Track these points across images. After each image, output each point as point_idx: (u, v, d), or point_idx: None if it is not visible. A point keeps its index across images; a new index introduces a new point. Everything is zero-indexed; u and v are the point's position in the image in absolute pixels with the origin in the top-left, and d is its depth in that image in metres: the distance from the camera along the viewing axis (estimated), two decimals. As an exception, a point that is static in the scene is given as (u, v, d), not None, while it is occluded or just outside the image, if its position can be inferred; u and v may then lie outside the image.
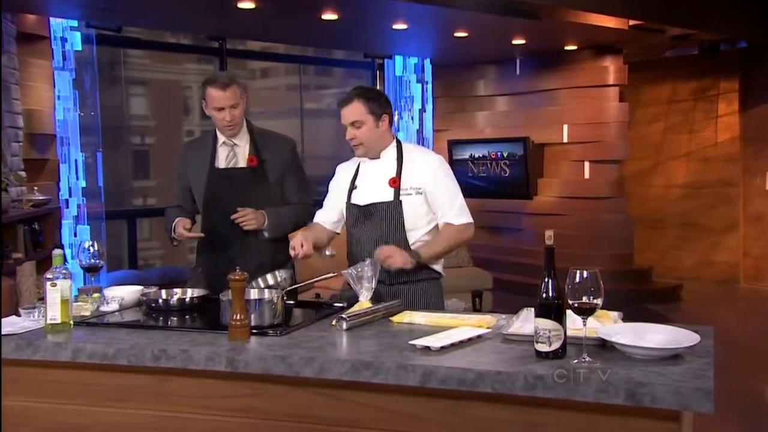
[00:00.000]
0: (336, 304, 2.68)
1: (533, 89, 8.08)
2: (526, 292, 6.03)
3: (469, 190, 8.16)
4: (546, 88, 7.98)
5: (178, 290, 2.77)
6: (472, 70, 8.50)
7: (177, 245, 3.31)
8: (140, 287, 2.80)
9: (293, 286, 2.62)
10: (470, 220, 2.94)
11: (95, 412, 2.24)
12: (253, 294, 2.45)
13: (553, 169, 8.05)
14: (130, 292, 2.73)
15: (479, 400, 1.88)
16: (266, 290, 2.49)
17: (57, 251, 2.41)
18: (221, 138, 3.25)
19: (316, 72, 9.06)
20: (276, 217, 3.20)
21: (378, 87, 8.70)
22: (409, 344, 2.07)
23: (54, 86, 6.08)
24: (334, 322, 2.36)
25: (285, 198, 3.29)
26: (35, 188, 5.46)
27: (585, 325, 1.92)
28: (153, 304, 2.67)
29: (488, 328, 2.26)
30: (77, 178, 6.29)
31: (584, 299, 1.89)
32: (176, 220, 3.17)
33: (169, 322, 2.54)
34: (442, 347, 2.03)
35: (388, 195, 2.91)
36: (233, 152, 3.24)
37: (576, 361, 1.88)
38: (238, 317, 2.22)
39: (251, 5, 5.36)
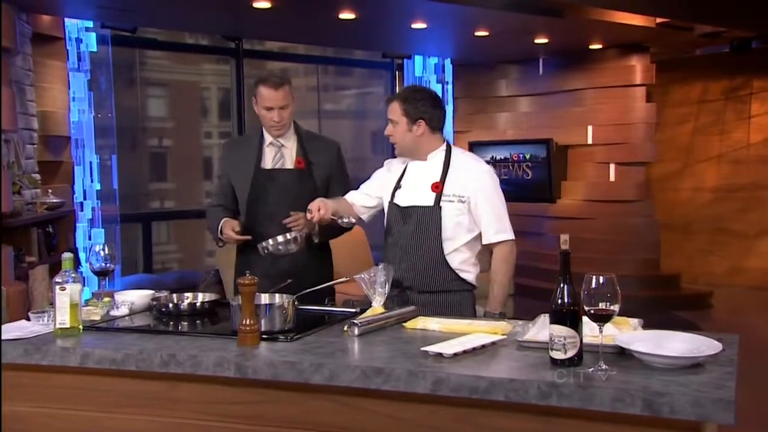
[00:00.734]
0: (349, 310, 2.69)
1: (557, 89, 8.05)
2: (548, 298, 5.97)
3: None
4: (570, 88, 7.95)
5: (188, 295, 2.79)
6: (493, 70, 8.49)
7: (223, 246, 3.34)
8: (151, 291, 2.82)
9: (304, 292, 2.62)
10: (511, 236, 2.95)
11: (103, 418, 2.26)
12: (264, 299, 2.47)
13: (578, 171, 8.01)
14: (140, 297, 2.75)
15: (492, 408, 1.87)
16: (277, 295, 2.50)
17: (66, 255, 2.44)
18: (268, 138, 3.27)
19: (337, 73, 9.10)
20: (327, 223, 3.20)
21: (397, 87, 8.72)
22: (421, 351, 2.08)
23: (69, 88, 6.16)
24: (345, 328, 2.37)
25: None
26: (49, 191, 5.52)
27: (601, 332, 1.91)
28: (163, 309, 2.69)
29: (503, 334, 2.25)
30: (92, 181, 6.37)
31: (601, 305, 1.88)
32: (223, 220, 3.18)
33: (180, 327, 2.56)
34: (455, 354, 2.03)
35: (428, 199, 2.91)
36: (280, 153, 3.27)
37: (592, 369, 1.87)
38: (247, 322, 2.24)
39: (267, 5, 5.40)
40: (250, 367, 2.09)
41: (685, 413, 1.70)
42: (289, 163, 3.26)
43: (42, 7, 5.64)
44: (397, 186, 3.02)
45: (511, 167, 8.17)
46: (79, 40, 6.22)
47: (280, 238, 3.00)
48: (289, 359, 2.08)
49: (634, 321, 2.32)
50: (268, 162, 3.27)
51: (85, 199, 6.32)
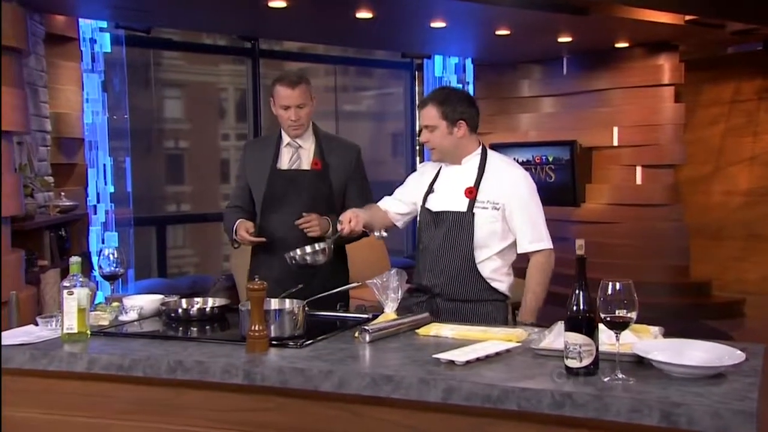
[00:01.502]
0: (361, 316, 2.70)
1: (581, 89, 8.00)
2: (572, 305, 5.95)
3: None
4: (595, 88, 7.90)
5: (198, 300, 2.82)
6: (515, 70, 8.47)
7: (238, 247, 3.37)
8: (160, 296, 2.85)
9: (316, 296, 2.63)
10: (549, 245, 2.93)
11: (110, 425, 2.28)
12: (274, 304, 2.48)
13: (603, 174, 7.95)
14: (149, 302, 2.78)
15: (504, 418, 1.87)
16: (287, 300, 2.52)
17: (74, 259, 2.47)
18: (286, 139, 3.29)
19: (356, 73, 9.11)
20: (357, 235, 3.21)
21: (417, 88, 8.72)
22: (432, 358, 2.08)
23: (82, 89, 6.22)
24: (356, 334, 2.38)
25: (347, 205, 3.30)
26: (62, 194, 5.58)
27: (618, 340, 1.90)
28: (172, 314, 2.71)
29: (518, 342, 2.25)
30: (105, 184, 6.43)
31: (617, 312, 1.88)
32: (238, 222, 3.20)
33: (189, 333, 2.58)
34: (468, 361, 2.03)
35: (461, 205, 2.90)
36: (297, 154, 3.29)
37: (608, 378, 1.86)
38: (256, 328, 2.25)
39: (283, 4, 5.43)
40: (258, 373, 2.11)
41: (704, 425, 1.69)
42: (306, 164, 3.27)
43: (55, 8, 5.71)
44: (430, 190, 3.01)
45: (533, 170, 8.12)
46: (93, 41, 6.28)
47: (308, 248, 2.96)
48: (297, 366, 2.09)
49: (655, 329, 2.31)
50: (285, 163, 3.29)
51: (98, 202, 6.37)
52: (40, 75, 5.61)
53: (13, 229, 4.48)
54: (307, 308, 2.47)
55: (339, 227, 2.93)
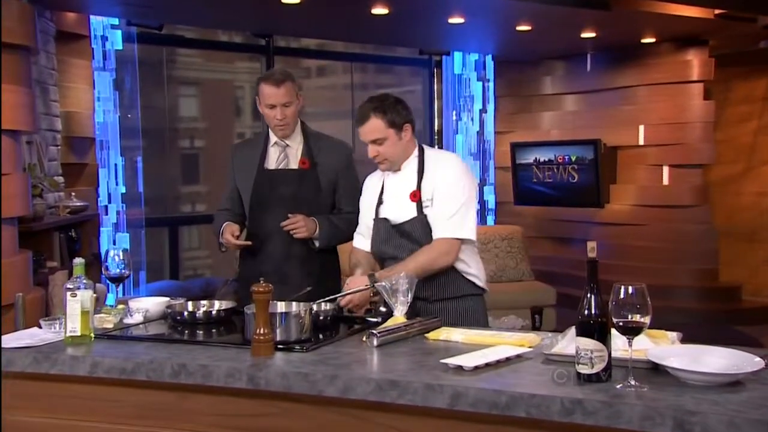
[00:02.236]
0: (370, 319, 2.70)
1: (606, 87, 7.97)
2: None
3: (532, 198, 8.33)
4: (620, 85, 7.86)
5: (204, 302, 2.84)
6: (538, 67, 8.44)
7: (225, 251, 3.37)
8: (166, 299, 2.87)
9: (324, 299, 2.65)
10: (459, 235, 2.84)
11: (113, 430, 2.30)
12: (280, 307, 2.50)
13: (628, 174, 7.91)
14: (155, 304, 2.81)
15: (512, 425, 1.87)
16: (293, 303, 2.53)
17: (78, 260, 2.50)
18: (273, 138, 3.31)
19: (376, 71, 9.11)
20: (328, 227, 3.23)
21: (435, 86, 8.72)
22: (440, 363, 2.08)
23: (94, 87, 6.29)
24: (364, 338, 2.38)
25: (336, 206, 3.34)
26: (73, 194, 5.64)
27: (631, 345, 1.89)
28: (178, 317, 2.73)
29: (530, 347, 2.24)
30: (117, 184, 6.49)
31: (630, 317, 1.87)
32: (224, 225, 3.22)
33: (194, 336, 2.60)
34: (476, 367, 2.03)
35: (411, 211, 2.91)
36: (285, 153, 3.30)
37: (620, 385, 1.86)
38: (261, 331, 2.26)
39: (296, 0, 5.46)
40: (262, 378, 2.12)
41: (719, 434, 1.67)
42: (294, 164, 3.28)
43: (66, 5, 5.78)
44: (380, 201, 3.01)
45: (555, 170, 8.09)
46: (104, 38, 6.34)
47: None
48: (302, 370, 2.10)
49: (673, 335, 2.30)
50: (272, 162, 3.30)
51: (109, 202, 6.43)
52: (51, 73, 5.68)
53: (22, 230, 4.53)
54: (313, 311, 2.48)
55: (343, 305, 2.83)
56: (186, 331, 2.65)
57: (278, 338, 2.34)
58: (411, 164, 2.96)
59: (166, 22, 6.63)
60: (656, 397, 1.80)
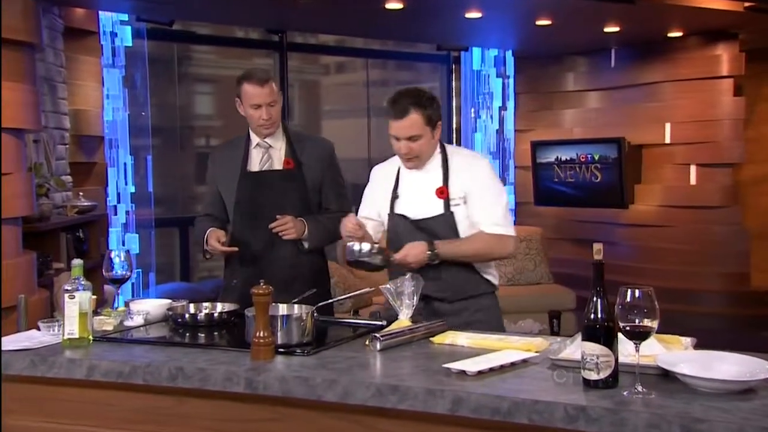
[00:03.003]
0: (375, 322, 2.71)
1: (630, 83, 7.91)
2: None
3: (553, 198, 8.30)
4: (646, 81, 7.79)
5: (207, 304, 2.87)
6: (559, 63, 8.40)
7: (210, 258, 3.37)
8: (168, 301, 2.90)
9: (326, 302, 2.66)
10: (511, 233, 2.93)
11: (110, 434, 2.34)
12: (281, 310, 2.51)
13: (653, 174, 7.85)
14: (156, 306, 2.83)
15: (514, 431, 1.87)
16: (296, 305, 2.55)
17: (76, 261, 2.54)
18: (255, 140, 3.33)
19: (397, 67, 9.11)
20: (317, 227, 3.26)
21: (453, 82, 8.71)
22: (443, 368, 2.09)
23: (103, 84, 6.33)
24: (367, 342, 2.39)
25: (323, 205, 3.36)
26: (80, 194, 5.70)
27: (638, 351, 1.88)
28: (179, 319, 2.76)
29: (537, 352, 2.24)
30: (126, 183, 6.53)
31: (637, 321, 1.86)
32: (209, 231, 3.22)
33: (196, 339, 2.62)
34: (479, 372, 2.03)
35: (437, 207, 2.92)
36: (268, 154, 3.32)
37: (627, 392, 1.85)
38: (261, 335, 2.28)
39: (308, -6, 5.49)
40: (260, 382, 2.14)
41: (727, 443, 1.67)
42: (278, 164, 3.30)
43: (74, 0, 5.83)
44: (395, 195, 3.00)
45: (578, 169, 8.05)
46: (113, 35, 6.38)
47: (365, 247, 2.86)
48: (301, 375, 2.11)
49: (686, 340, 2.29)
50: (255, 164, 3.31)
51: (118, 202, 6.47)
52: (59, 70, 5.74)
53: (27, 230, 4.58)
54: (316, 314, 2.49)
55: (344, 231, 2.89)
56: (187, 334, 2.68)
57: (279, 341, 2.36)
58: (434, 160, 2.97)
59: (176, 18, 6.67)
60: (664, 404, 1.79)
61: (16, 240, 4.32)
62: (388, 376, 2.10)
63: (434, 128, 2.90)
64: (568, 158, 8.09)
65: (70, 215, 5.45)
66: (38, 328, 2.66)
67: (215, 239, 3.16)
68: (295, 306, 2.55)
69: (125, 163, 6.52)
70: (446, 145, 3.04)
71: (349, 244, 2.85)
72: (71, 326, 2.46)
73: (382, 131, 8.70)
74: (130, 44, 6.48)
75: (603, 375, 1.89)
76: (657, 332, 2.21)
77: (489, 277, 3.01)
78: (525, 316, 5.73)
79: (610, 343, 1.90)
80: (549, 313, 5.86)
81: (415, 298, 2.58)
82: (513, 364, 2.12)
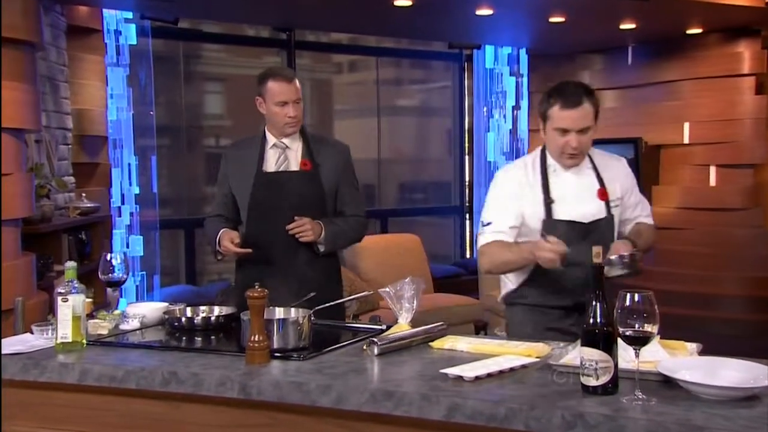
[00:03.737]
0: (374, 327, 2.72)
1: (648, 81, 7.89)
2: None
3: None
4: (664, 79, 7.77)
5: (204, 308, 2.88)
6: (574, 61, 8.38)
7: (221, 259, 3.39)
8: (164, 304, 2.92)
9: (324, 306, 2.67)
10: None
11: (103, 439, 2.36)
12: (278, 313, 2.53)
13: (672, 175, 7.81)
14: (152, 310, 2.85)
15: (511, 439, 1.87)
16: (292, 309, 2.56)
17: (70, 264, 2.56)
18: (271, 140, 3.34)
19: (412, 65, 9.11)
20: (333, 230, 3.26)
21: (465, 81, 8.71)
22: (440, 373, 2.09)
23: (106, 84, 6.37)
24: (365, 347, 2.40)
25: (338, 208, 3.36)
26: (83, 195, 5.74)
27: (637, 356, 1.88)
28: (176, 323, 2.78)
29: (537, 357, 2.25)
30: (130, 184, 6.56)
31: (636, 326, 1.86)
32: (221, 231, 3.24)
33: (192, 343, 2.63)
34: (477, 377, 2.04)
35: (600, 209, 2.90)
36: (284, 155, 3.33)
37: (627, 398, 1.85)
38: (256, 339, 2.29)
39: (316, -8, 5.51)
40: (254, 387, 2.15)
41: (728, 451, 1.66)
42: (294, 165, 3.31)
43: (77, -3, 5.88)
44: (550, 200, 2.87)
45: (593, 170, 8.03)
46: (117, 33, 6.42)
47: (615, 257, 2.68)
48: (296, 380, 2.12)
49: (692, 346, 2.29)
50: (271, 165, 3.32)
51: (122, 203, 6.50)
52: (61, 69, 5.78)
53: (27, 231, 4.62)
54: (313, 318, 2.50)
55: None
56: (183, 338, 2.70)
57: (275, 346, 2.37)
58: (585, 160, 2.92)
59: (181, 16, 6.71)
60: (663, 411, 1.79)
61: (15, 241, 4.35)
62: (384, 382, 2.11)
63: (596, 123, 2.82)
64: (584, 159, 8.06)
65: (72, 216, 5.49)
66: (32, 332, 2.68)
67: (228, 240, 3.17)
68: (292, 310, 2.56)
69: (129, 164, 6.55)
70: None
71: (610, 257, 2.66)
72: (64, 330, 2.48)
73: (392, 131, 8.73)
74: (135, 42, 6.51)
75: (602, 381, 1.89)
76: (668, 337, 2.24)
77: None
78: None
79: (610, 348, 1.90)
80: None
81: (415, 301, 2.58)
82: (512, 370, 2.13)
